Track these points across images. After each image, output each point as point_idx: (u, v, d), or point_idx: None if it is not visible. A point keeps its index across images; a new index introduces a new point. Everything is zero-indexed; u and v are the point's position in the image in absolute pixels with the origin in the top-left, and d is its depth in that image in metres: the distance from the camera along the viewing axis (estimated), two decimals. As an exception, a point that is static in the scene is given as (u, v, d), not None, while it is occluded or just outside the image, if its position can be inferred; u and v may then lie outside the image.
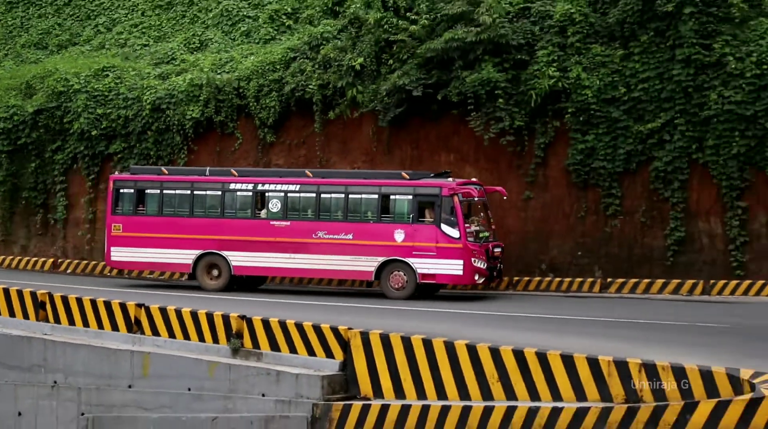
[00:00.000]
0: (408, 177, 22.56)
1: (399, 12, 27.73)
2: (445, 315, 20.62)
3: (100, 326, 17.62)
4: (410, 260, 21.82)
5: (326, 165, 28.81)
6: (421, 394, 13.49)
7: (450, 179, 22.53)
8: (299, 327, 15.18)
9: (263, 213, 23.49)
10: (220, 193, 23.86)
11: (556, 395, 12.63)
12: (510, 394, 12.79)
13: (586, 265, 26.28)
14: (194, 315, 16.51)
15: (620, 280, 25.57)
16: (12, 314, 18.80)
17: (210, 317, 16.11)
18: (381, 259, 22.13)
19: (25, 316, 18.65)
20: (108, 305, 17.70)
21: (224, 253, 23.35)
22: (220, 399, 14.73)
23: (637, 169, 25.52)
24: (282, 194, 23.15)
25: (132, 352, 15.89)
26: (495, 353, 12.87)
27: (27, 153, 32.31)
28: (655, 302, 24.14)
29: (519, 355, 12.89)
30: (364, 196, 22.79)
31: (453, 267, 21.55)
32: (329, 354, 14.61)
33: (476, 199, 22.70)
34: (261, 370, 14.70)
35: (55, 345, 16.50)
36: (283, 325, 15.42)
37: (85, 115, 30.91)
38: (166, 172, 25.28)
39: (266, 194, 23.56)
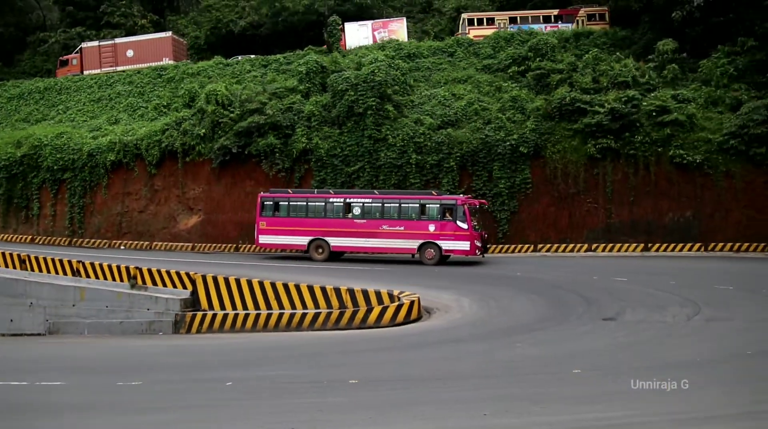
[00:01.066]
0: (436, 194, 31.90)
1: (224, 106, 40.76)
2: (334, 271, 27.76)
3: (57, 273, 22.88)
4: (438, 242, 30.50)
5: (185, 189, 41.68)
6: (235, 307, 18.49)
7: (461, 195, 32.20)
8: (168, 273, 20.56)
9: (349, 215, 32.08)
10: (323, 203, 32.41)
11: (305, 306, 18.04)
12: (281, 306, 18.16)
13: None
14: (109, 267, 21.74)
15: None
16: (6, 266, 24.30)
17: (119, 268, 21.56)
18: (420, 241, 30.83)
19: (14, 267, 24.02)
20: (61, 261, 23.45)
21: (326, 238, 32.08)
22: (124, 312, 18.57)
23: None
24: (361, 203, 32.03)
25: (75, 286, 19.44)
26: (272, 285, 18.48)
27: (16, 178, 44.63)
28: (359, 256, 34.00)
29: (285, 286, 18.52)
30: (410, 205, 31.40)
31: (464, 246, 30.26)
32: (185, 287, 19.75)
33: (477, 206, 32.08)
34: (147, 296, 18.71)
35: (31, 283, 19.80)
36: (158, 271, 20.70)
37: (50, 158, 43.62)
38: (291, 192, 34.42)
39: (351, 203, 32.19)
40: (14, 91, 53.78)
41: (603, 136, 36.32)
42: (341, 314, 17.27)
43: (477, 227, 30.78)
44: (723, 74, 38.39)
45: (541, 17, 49.21)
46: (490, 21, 49.59)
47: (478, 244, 30.36)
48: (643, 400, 9.60)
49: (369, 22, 49.74)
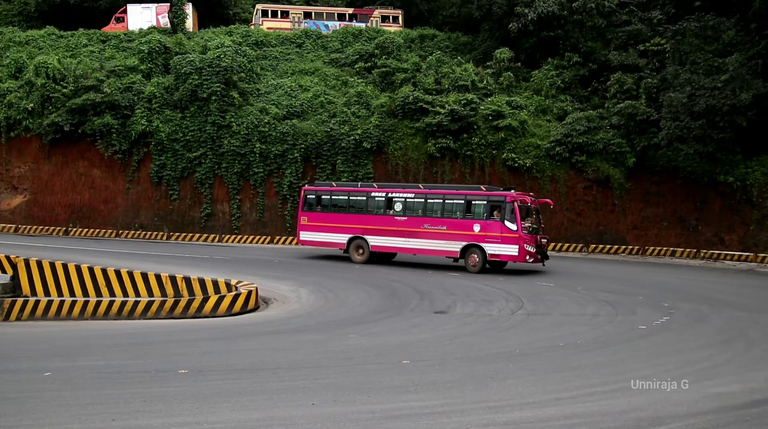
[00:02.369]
0: (485, 189, 27.41)
1: (56, 80, 38.58)
2: (173, 258, 27.00)
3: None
4: (483, 244, 26.03)
5: (9, 166, 39.25)
6: (61, 294, 17.38)
7: (512, 191, 27.29)
8: None
9: (390, 211, 28.52)
10: (365, 198, 29.16)
11: (138, 294, 17.25)
12: (112, 293, 17.34)
13: (159, 226, 38.61)
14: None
15: (179, 234, 38.02)
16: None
17: None
18: (463, 243, 26.40)
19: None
20: None
21: (366, 236, 28.58)
22: None
23: (187, 175, 38.43)
24: (403, 199, 28.20)
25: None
26: (103, 271, 17.68)
27: None
28: (196, 246, 34.54)
29: (118, 273, 17.75)
30: (455, 201, 27.22)
31: (511, 250, 25.49)
32: (4, 271, 18.61)
33: (530, 205, 26.97)
34: None
35: None
36: None
37: None
38: (335, 185, 31.44)
39: (393, 199, 28.50)
40: None
41: (443, 136, 37.09)
42: (176, 303, 16.63)
43: (532, 229, 26.46)
44: (551, 85, 39.93)
45: (336, 14, 49.62)
46: (285, 14, 49.48)
47: (531, 249, 25.76)
48: (463, 388, 9.87)
49: (153, 5, 47.11)
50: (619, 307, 18.45)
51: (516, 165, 36.62)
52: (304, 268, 26.24)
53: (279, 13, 48.76)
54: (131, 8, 46.96)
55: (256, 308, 17.55)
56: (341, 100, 39.77)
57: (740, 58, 31.58)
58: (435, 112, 37.16)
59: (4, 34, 45.49)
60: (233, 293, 17.17)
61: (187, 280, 17.53)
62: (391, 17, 49.54)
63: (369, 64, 42.19)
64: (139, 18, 46.49)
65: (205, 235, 38.19)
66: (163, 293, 17.36)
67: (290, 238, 37.29)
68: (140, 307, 16.54)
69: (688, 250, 34.70)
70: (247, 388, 9.70)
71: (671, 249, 35.01)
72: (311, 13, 49.20)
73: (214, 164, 38.49)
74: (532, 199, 27.53)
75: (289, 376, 10.55)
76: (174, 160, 38.70)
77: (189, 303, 16.72)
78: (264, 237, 38.02)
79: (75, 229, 38.68)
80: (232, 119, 38.27)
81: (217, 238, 37.99)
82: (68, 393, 9.37)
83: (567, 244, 36.28)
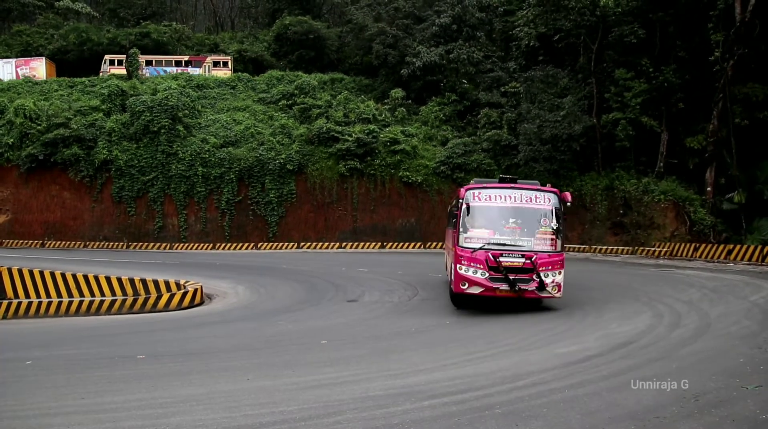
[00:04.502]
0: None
1: (32, 119, 38.00)
2: (130, 264, 25.84)
3: None
4: None
5: None
6: (39, 296, 16.77)
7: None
8: None
9: None
10: None
11: (103, 294, 16.92)
12: (81, 293, 16.77)
13: (120, 237, 38.20)
14: None
15: (136, 244, 37.61)
16: None
17: None
18: None
19: None
20: None
21: None
22: None
23: (142, 195, 38.01)
24: None
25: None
26: (73, 276, 16.96)
27: None
28: (151, 253, 34.30)
29: (85, 277, 17.04)
30: None
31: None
32: None
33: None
34: None
35: None
36: None
37: None
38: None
39: None
40: None
41: (351, 159, 37.75)
42: (134, 301, 16.48)
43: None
44: (435, 118, 41.59)
45: (173, 61, 48.44)
46: None
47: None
48: (370, 361, 10.09)
49: (13, 60, 47.09)
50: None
51: (410, 181, 37.82)
52: (240, 269, 25.78)
53: (124, 61, 46.86)
54: None
55: (201, 303, 17.44)
56: (268, 131, 40.04)
57: (573, 99, 34.03)
58: (344, 140, 38.01)
59: (-12, 82, 45.32)
60: (182, 291, 17.09)
61: (144, 282, 17.28)
62: (221, 62, 48.76)
63: (290, 101, 42.79)
64: (1, 70, 46.14)
65: (159, 244, 38.20)
66: (124, 293, 17.07)
67: (228, 244, 37.93)
68: (105, 305, 16.44)
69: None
70: (194, 369, 9.71)
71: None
72: (152, 60, 47.91)
73: (164, 185, 38.50)
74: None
75: (229, 357, 10.57)
76: (131, 183, 38.61)
77: (146, 300, 16.61)
78: (207, 244, 38.09)
79: (49, 241, 38.46)
80: (179, 148, 38.39)
81: (168, 246, 37.96)
82: (45, 378, 9.31)
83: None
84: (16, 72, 46.10)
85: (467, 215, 14.54)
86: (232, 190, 38.21)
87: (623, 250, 32.89)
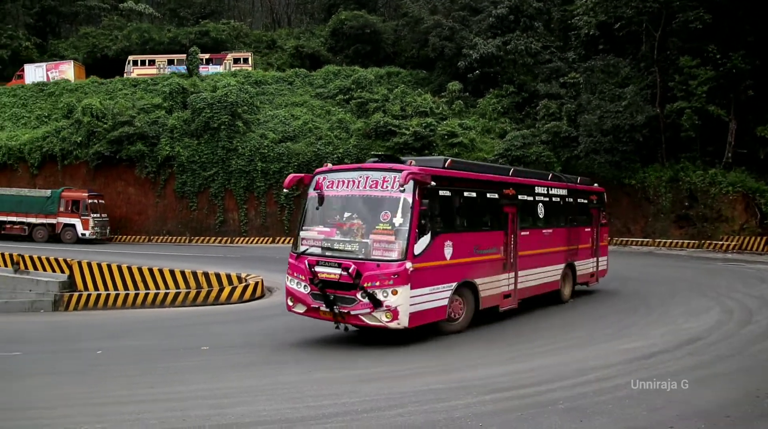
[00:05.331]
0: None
1: (98, 118, 38.86)
2: (192, 258, 26.32)
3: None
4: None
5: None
6: (107, 288, 17.63)
7: None
8: (47, 259, 19.61)
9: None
10: None
11: (167, 287, 17.31)
12: (147, 287, 17.49)
13: (182, 231, 38.97)
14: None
15: (198, 238, 38.20)
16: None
17: (2, 255, 20.55)
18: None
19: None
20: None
21: None
22: (8, 293, 17.76)
23: (203, 190, 38.64)
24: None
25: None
26: (139, 269, 17.80)
27: None
28: (213, 247, 34.92)
29: (150, 270, 17.66)
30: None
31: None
32: (62, 271, 18.90)
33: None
34: (29, 280, 18.01)
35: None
36: (39, 258, 19.64)
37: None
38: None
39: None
40: None
41: (409, 152, 37.51)
42: (198, 293, 16.78)
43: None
44: (493, 110, 41.24)
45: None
46: (152, 62, 49.13)
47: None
48: (430, 356, 9.99)
49: (44, 64, 48.42)
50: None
51: (468, 175, 36.51)
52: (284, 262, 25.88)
53: (147, 62, 48.61)
54: (27, 67, 48.42)
55: (262, 296, 17.63)
56: (326, 125, 40.13)
57: (634, 88, 33.45)
58: (401, 133, 37.82)
59: (59, 83, 47.02)
60: (243, 284, 17.32)
61: (206, 275, 17.64)
62: (242, 59, 49.23)
63: (347, 96, 42.99)
64: (33, 74, 47.64)
65: (220, 238, 38.58)
66: (188, 286, 17.44)
67: (288, 238, 37.38)
68: (169, 298, 16.82)
69: (604, 237, 34.87)
70: (255, 361, 9.91)
71: (590, 237, 35.13)
72: (174, 60, 48.77)
73: (224, 180, 38.99)
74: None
75: (289, 350, 10.62)
76: (193, 178, 39.29)
77: (208, 293, 16.92)
78: (267, 238, 38.22)
79: (116, 236, 39.17)
80: (238, 144, 38.79)
81: (229, 241, 38.23)
82: (115, 367, 9.67)
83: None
84: (47, 75, 47.63)
85: (305, 208, 11.15)
86: (290, 184, 38.35)
87: (688, 243, 32.01)
